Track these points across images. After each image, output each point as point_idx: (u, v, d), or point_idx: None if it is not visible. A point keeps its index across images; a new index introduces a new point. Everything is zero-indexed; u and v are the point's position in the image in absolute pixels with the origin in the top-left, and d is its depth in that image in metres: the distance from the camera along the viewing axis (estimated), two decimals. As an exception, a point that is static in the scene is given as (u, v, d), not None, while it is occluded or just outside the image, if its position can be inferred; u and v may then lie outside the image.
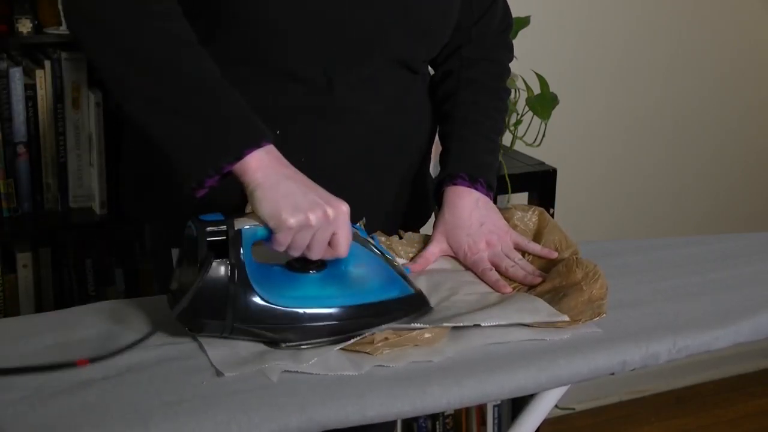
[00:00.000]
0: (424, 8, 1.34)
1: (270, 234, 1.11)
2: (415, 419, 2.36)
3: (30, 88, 1.90)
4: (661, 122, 2.77)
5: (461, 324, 1.17)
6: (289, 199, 1.11)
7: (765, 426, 2.81)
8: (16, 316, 1.36)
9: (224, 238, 1.09)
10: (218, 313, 1.09)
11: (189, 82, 1.16)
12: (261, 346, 1.12)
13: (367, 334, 1.13)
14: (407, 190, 1.47)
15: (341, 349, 1.13)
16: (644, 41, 2.68)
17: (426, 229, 1.47)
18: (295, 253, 1.13)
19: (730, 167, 2.92)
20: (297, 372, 1.07)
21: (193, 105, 1.14)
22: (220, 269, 1.08)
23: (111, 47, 1.16)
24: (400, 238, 1.39)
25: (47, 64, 1.91)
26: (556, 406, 1.39)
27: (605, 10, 2.60)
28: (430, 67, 1.51)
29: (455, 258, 1.38)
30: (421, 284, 1.28)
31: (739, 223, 2.94)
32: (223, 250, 1.09)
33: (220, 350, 1.11)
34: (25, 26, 1.91)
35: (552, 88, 2.22)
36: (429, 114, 1.49)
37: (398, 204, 1.46)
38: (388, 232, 1.39)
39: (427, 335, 1.14)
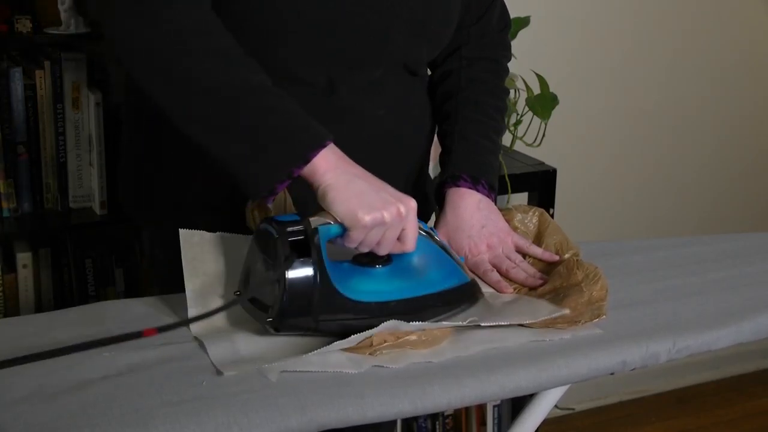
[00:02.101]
0: (427, 11, 1.34)
1: (343, 232, 1.13)
2: (415, 419, 2.36)
3: (30, 88, 1.90)
4: (661, 122, 2.77)
5: (461, 324, 1.17)
6: (363, 198, 1.13)
7: (765, 426, 2.81)
8: (16, 317, 1.36)
9: (302, 237, 1.11)
10: (304, 311, 1.11)
11: (239, 96, 1.16)
12: (262, 345, 1.12)
13: (367, 336, 1.13)
14: (409, 192, 1.46)
15: (341, 350, 1.13)
16: (644, 41, 2.68)
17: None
18: (365, 249, 1.16)
19: (730, 167, 2.92)
20: (297, 372, 1.07)
21: (248, 118, 1.15)
22: (305, 268, 1.10)
23: (162, 77, 1.17)
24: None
25: (47, 64, 1.91)
26: (556, 406, 1.39)
27: (605, 10, 2.60)
28: (428, 68, 1.51)
29: None
30: None
31: (739, 223, 2.94)
32: (302, 249, 1.11)
33: (221, 349, 1.11)
34: (24, 26, 1.91)
35: (552, 88, 2.22)
36: (429, 115, 1.49)
37: None
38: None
39: (424, 338, 1.14)
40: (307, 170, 1.14)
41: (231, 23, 1.26)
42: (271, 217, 1.14)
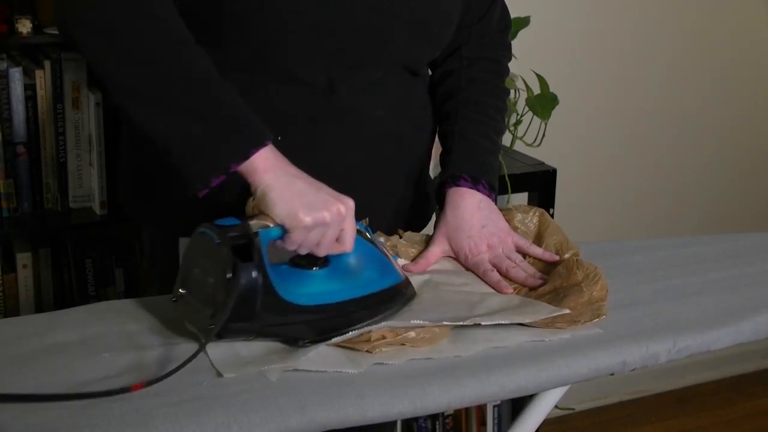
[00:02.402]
0: (427, 11, 1.34)
1: (284, 233, 1.12)
2: (415, 419, 2.36)
3: (30, 88, 1.90)
4: (661, 122, 2.77)
5: (461, 323, 1.17)
6: (303, 199, 1.13)
7: (765, 426, 2.81)
8: (16, 317, 1.36)
9: (244, 242, 1.10)
10: (248, 317, 1.10)
11: (189, 82, 1.16)
12: (261, 346, 1.13)
13: (364, 331, 1.13)
14: (410, 192, 1.47)
15: (340, 346, 1.13)
16: (644, 41, 2.68)
17: (427, 229, 1.47)
18: (305, 251, 1.15)
19: (730, 167, 2.92)
20: (297, 371, 1.07)
21: (195, 105, 1.15)
22: (248, 273, 1.09)
23: (110, 49, 1.16)
24: (400, 237, 1.39)
25: (47, 64, 1.91)
26: (556, 406, 1.39)
27: (605, 10, 2.60)
28: (428, 68, 1.51)
29: (456, 259, 1.38)
30: (422, 284, 1.28)
31: (739, 223, 2.94)
32: (244, 254, 1.09)
33: (221, 351, 1.11)
34: (24, 26, 1.90)
35: (552, 88, 2.22)
36: (429, 115, 1.49)
37: (401, 205, 1.46)
38: (390, 234, 1.39)
39: (423, 336, 1.14)
40: (245, 168, 1.13)
41: (231, 23, 1.26)
42: (210, 222, 1.11)
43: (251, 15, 1.25)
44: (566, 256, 1.35)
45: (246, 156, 1.13)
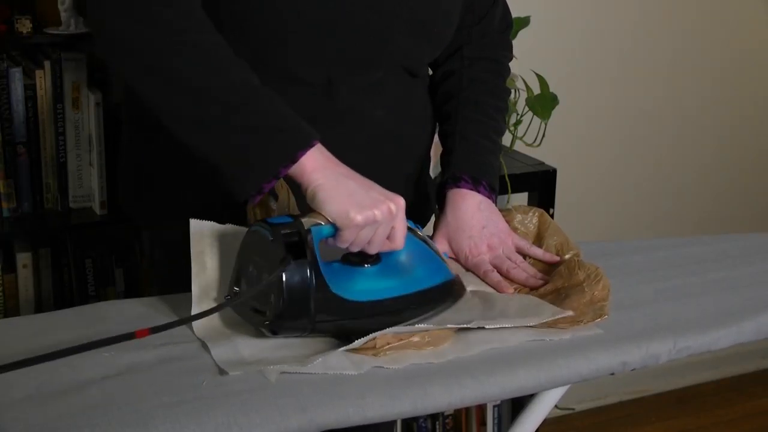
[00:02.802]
0: (428, 12, 1.34)
1: (335, 231, 1.14)
2: (415, 419, 2.36)
3: (30, 88, 1.90)
4: (661, 122, 2.77)
5: (465, 326, 1.17)
6: (354, 198, 1.14)
7: (765, 426, 2.81)
8: (16, 317, 1.36)
9: (297, 239, 1.11)
10: (302, 314, 1.11)
11: (228, 95, 1.16)
12: (263, 346, 1.12)
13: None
14: (410, 192, 1.46)
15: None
16: (644, 41, 2.68)
17: (427, 230, 1.47)
18: (357, 249, 1.16)
19: (731, 167, 2.92)
20: (297, 373, 1.07)
21: (237, 118, 1.15)
22: (301, 271, 1.10)
23: (146, 72, 1.17)
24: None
25: (47, 64, 1.91)
26: (556, 406, 1.39)
27: (605, 10, 2.60)
28: (429, 68, 1.51)
29: (456, 260, 1.38)
30: None
31: (739, 223, 2.94)
32: (297, 251, 1.11)
33: (223, 350, 1.11)
34: (24, 26, 1.90)
35: (552, 88, 2.22)
36: (429, 116, 1.49)
37: None
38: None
39: (427, 339, 1.14)
40: (294, 170, 1.14)
41: (231, 23, 1.26)
42: (263, 219, 1.14)
43: (251, 15, 1.25)
44: (567, 256, 1.35)
45: (294, 159, 1.14)
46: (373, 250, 1.17)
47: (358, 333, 1.13)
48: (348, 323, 1.15)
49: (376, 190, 1.16)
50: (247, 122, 1.15)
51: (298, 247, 1.11)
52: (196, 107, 1.16)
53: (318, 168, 1.15)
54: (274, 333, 1.12)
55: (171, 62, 1.16)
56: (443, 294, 1.23)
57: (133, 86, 1.21)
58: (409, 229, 1.21)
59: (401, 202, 1.17)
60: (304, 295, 1.11)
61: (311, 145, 1.15)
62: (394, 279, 1.19)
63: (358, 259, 1.19)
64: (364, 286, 1.17)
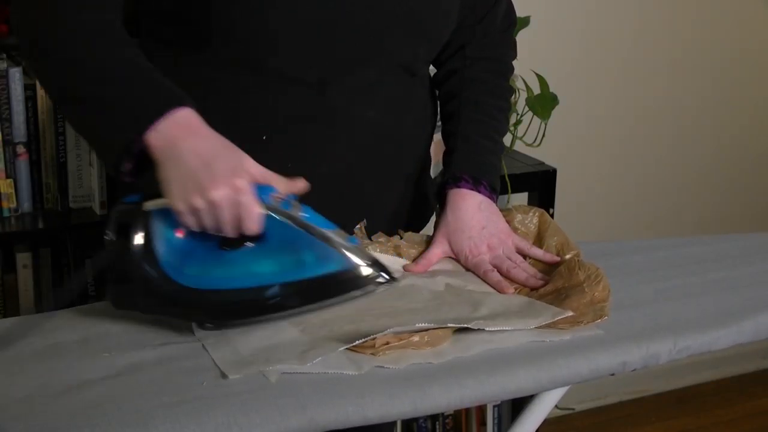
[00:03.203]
0: (425, 10, 1.34)
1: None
2: (415, 419, 2.36)
3: (30, 88, 1.90)
4: (661, 122, 2.77)
5: (466, 326, 1.17)
6: (191, 178, 1.07)
7: (765, 426, 2.81)
8: (16, 317, 1.36)
9: (129, 219, 1.12)
10: (134, 292, 1.13)
11: (97, 73, 1.15)
12: (262, 345, 1.12)
13: (369, 337, 1.13)
14: (409, 192, 1.46)
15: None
16: (644, 41, 2.68)
17: (427, 230, 1.47)
18: (213, 232, 1.11)
19: (730, 167, 2.92)
20: (297, 373, 1.07)
21: (98, 93, 1.14)
22: (132, 248, 1.11)
23: (35, 48, 1.18)
24: (401, 238, 1.39)
25: (47, 64, 1.91)
26: (556, 406, 1.39)
27: (605, 10, 2.60)
28: (432, 66, 1.51)
29: (456, 260, 1.38)
30: (422, 284, 1.28)
31: (739, 223, 2.94)
32: (129, 231, 1.12)
33: (223, 352, 1.10)
34: (25, 26, 1.90)
35: (552, 88, 2.22)
36: (428, 115, 1.49)
37: (400, 206, 1.45)
38: (391, 234, 1.39)
39: (427, 339, 1.14)
40: (145, 146, 1.09)
41: (219, 23, 1.25)
42: (120, 198, 1.15)
43: (242, 16, 1.25)
44: (567, 257, 1.35)
45: (140, 132, 1.08)
46: (228, 234, 1.09)
47: (204, 320, 1.13)
48: (190, 308, 1.13)
49: (221, 165, 1.07)
50: (105, 98, 1.13)
51: (130, 227, 1.11)
52: (66, 79, 1.16)
53: (160, 145, 1.08)
54: (115, 306, 1.14)
55: (50, 35, 1.17)
56: (327, 286, 1.14)
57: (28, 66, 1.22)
58: (276, 210, 1.11)
59: (237, 183, 1.07)
60: (129, 274, 1.12)
61: (160, 116, 1.09)
62: (258, 266, 1.12)
63: (226, 243, 1.12)
64: (214, 273, 1.12)
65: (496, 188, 1.41)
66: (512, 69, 1.53)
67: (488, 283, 1.32)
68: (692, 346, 1.21)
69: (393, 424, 1.98)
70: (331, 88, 1.31)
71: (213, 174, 1.07)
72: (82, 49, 1.16)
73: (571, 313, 1.20)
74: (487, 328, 1.17)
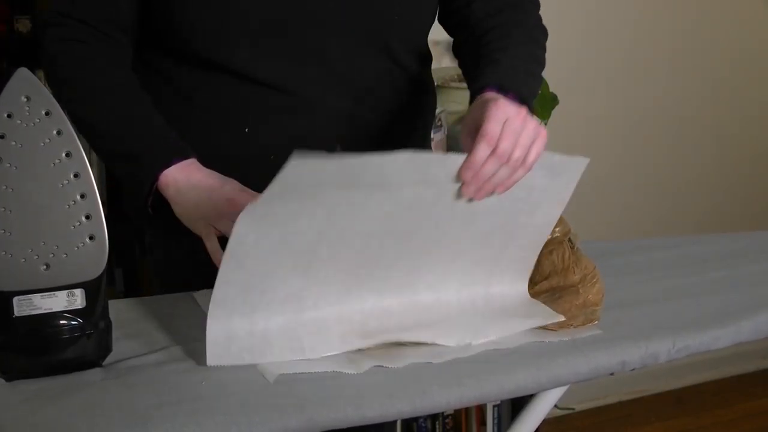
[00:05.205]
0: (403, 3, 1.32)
1: None
2: (415, 419, 2.36)
3: (30, 88, 1.90)
4: (661, 122, 2.77)
5: (450, 344, 1.14)
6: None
7: (765, 426, 2.81)
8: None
9: None
10: None
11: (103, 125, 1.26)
12: (262, 345, 1.12)
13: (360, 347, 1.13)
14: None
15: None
16: (644, 41, 2.68)
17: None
18: None
19: (730, 167, 2.92)
20: (296, 372, 1.07)
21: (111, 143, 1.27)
22: None
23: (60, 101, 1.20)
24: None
25: (47, 64, 1.91)
26: (556, 406, 1.39)
27: (605, 11, 2.60)
28: (448, 35, 1.43)
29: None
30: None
31: (739, 223, 2.94)
32: None
33: (218, 345, 1.09)
34: (24, 26, 1.91)
35: (552, 88, 2.22)
36: (419, 110, 1.44)
37: None
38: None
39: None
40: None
41: (186, 25, 1.26)
42: None
43: (200, 14, 1.25)
44: (557, 232, 1.28)
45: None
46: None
47: None
48: None
49: (199, 218, 1.22)
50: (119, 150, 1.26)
51: None
52: (93, 139, 1.27)
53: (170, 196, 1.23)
54: None
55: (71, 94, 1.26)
56: None
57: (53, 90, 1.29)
58: None
59: (226, 217, 1.18)
60: None
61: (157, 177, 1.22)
62: None
63: None
64: None
65: (526, 101, 1.22)
66: (539, 19, 1.45)
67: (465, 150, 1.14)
68: (691, 345, 1.21)
69: (393, 423, 1.98)
70: (302, 80, 1.30)
71: (194, 227, 1.23)
72: (97, 110, 1.27)
73: (562, 318, 1.20)
74: (474, 342, 1.15)
